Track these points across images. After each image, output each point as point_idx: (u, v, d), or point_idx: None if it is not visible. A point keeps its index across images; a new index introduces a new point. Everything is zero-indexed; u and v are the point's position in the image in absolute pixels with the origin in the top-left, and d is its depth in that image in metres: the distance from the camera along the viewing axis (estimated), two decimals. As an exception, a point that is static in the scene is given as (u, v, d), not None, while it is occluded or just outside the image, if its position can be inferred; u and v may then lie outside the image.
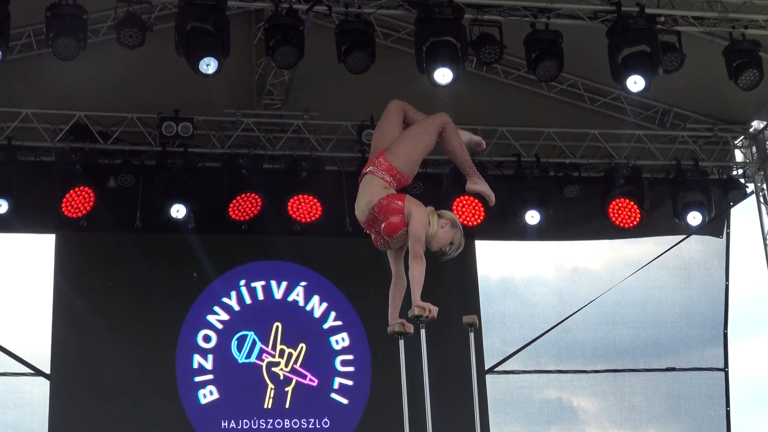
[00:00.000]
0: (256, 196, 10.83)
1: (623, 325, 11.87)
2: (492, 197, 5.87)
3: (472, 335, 5.80)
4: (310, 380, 10.93)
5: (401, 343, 5.58)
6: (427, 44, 9.48)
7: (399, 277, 5.66)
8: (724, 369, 11.81)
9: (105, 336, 10.52)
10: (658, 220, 11.94)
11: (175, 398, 10.62)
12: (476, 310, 11.19)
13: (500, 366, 11.53)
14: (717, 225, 12.03)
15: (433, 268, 5.57)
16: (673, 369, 11.83)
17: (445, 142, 5.79)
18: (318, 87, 11.15)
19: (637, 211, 11.44)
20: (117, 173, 10.69)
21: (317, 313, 11.19)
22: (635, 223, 11.45)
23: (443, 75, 9.47)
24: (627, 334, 11.84)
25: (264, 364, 10.90)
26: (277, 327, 11.03)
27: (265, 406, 10.79)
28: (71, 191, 10.48)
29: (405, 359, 5.62)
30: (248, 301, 11.10)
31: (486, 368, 11.32)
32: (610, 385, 11.75)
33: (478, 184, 5.86)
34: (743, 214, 12.17)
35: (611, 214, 11.46)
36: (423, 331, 5.53)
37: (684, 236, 11.96)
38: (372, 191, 5.58)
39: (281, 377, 10.91)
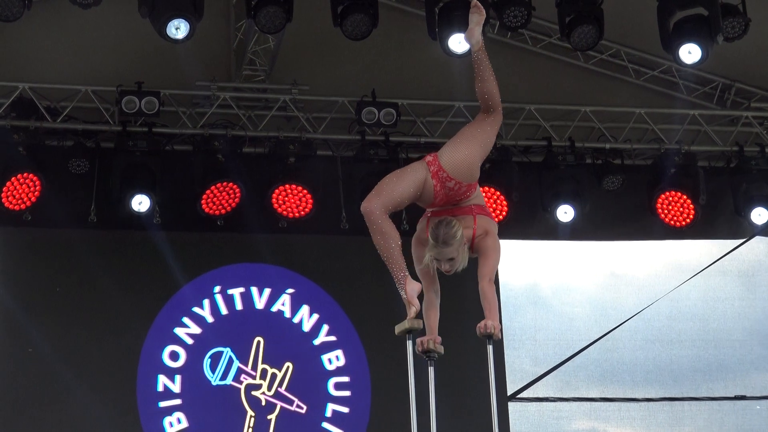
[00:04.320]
0: (234, 186, 10.77)
1: (680, 344, 11.77)
2: (413, 311, 5.57)
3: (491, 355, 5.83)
4: (298, 406, 10.89)
5: (410, 363, 5.65)
6: (440, 5, 9.45)
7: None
8: (806, 397, 11.81)
9: (51, 352, 10.48)
10: (717, 217, 11.85)
11: (135, 427, 10.58)
12: (497, 324, 11.18)
13: (527, 391, 11.45)
14: (787, 223, 11.72)
15: (445, 275, 5.86)
16: (743, 397, 11.77)
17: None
18: (309, 56, 11.08)
19: (691, 206, 11.38)
20: (68, 157, 10.59)
21: (306, 327, 11.15)
22: (688, 220, 11.39)
23: (459, 42, 9.39)
24: (685, 355, 11.72)
25: (242, 387, 10.86)
26: (259, 342, 11.00)
27: (244, 438, 10.72)
28: (13, 179, 10.41)
29: (414, 383, 5.65)
30: (224, 311, 11.08)
31: (509, 394, 11.25)
32: (666, 416, 11.60)
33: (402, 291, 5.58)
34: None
35: (660, 211, 11.40)
36: (431, 369, 5.73)
37: (747, 237, 11.91)
38: None
39: (263, 403, 10.86)
